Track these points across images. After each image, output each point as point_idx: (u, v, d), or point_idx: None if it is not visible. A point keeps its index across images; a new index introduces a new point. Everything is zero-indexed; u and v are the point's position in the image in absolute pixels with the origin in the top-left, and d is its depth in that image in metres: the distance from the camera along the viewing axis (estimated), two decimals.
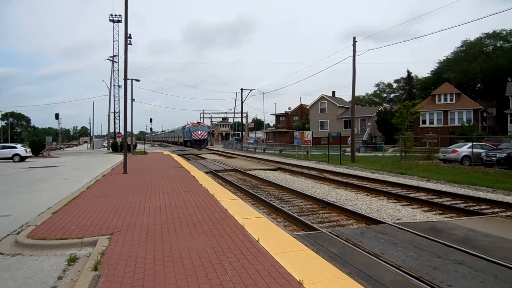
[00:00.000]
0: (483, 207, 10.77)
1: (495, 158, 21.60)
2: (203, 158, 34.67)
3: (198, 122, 68.78)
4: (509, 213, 9.85)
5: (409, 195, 12.59)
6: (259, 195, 12.43)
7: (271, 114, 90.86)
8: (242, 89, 61.62)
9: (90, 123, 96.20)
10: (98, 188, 13.19)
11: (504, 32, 59.92)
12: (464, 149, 24.23)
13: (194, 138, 62.32)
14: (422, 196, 12.59)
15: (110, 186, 13.65)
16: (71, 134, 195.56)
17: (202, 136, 63.50)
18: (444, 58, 69.90)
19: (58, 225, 7.50)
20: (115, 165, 24.05)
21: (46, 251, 6.18)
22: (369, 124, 57.48)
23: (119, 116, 55.48)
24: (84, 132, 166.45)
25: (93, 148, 67.09)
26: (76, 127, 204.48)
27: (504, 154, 21.42)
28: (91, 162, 30.90)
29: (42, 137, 54.80)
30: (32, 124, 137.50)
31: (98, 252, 5.66)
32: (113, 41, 54.15)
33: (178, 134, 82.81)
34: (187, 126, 70.74)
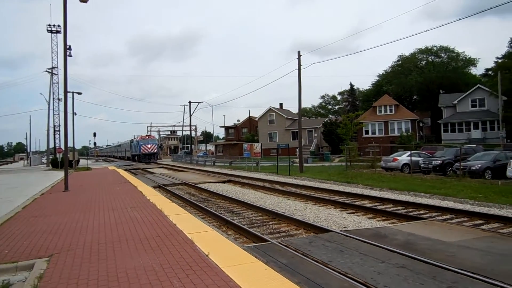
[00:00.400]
0: (422, 212, 11.44)
1: (431, 166, 23.14)
2: (151, 173, 33.76)
3: (147, 135, 65.09)
4: (444, 217, 10.55)
5: (355, 203, 13.07)
6: (209, 209, 12.30)
7: (220, 127, 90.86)
8: (190, 102, 61.04)
9: (26, 138, 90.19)
10: (36, 207, 12.36)
11: (435, 48, 64.90)
12: (404, 157, 25.68)
13: (143, 152, 58.72)
14: (367, 203, 13.13)
15: (49, 205, 12.84)
16: (5, 150, 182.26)
17: (152, 149, 59.80)
18: (383, 71, 74.31)
19: None
20: (56, 183, 22.69)
21: None
22: (316, 135, 59.26)
23: (59, 130, 52.59)
24: (20, 148, 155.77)
25: (30, 165, 62.90)
26: (11, 143, 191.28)
27: (439, 161, 23.01)
28: (29, 180, 28.92)
29: None
30: None
31: (35, 276, 5.27)
32: (52, 52, 51.48)
33: (125, 148, 78.54)
34: (135, 139, 66.98)
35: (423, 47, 65.32)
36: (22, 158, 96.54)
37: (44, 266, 5.73)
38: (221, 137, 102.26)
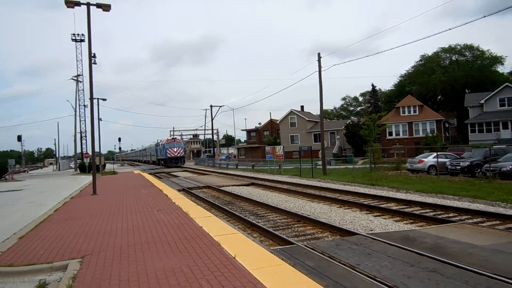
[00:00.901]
0: (451, 214, 11.17)
1: (459, 167, 22.53)
2: (175, 176, 34.21)
3: (173, 138, 62.61)
4: (475, 220, 10.26)
5: (381, 205, 12.89)
6: (233, 211, 12.37)
7: (242, 130, 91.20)
8: (211, 106, 61.68)
9: (55, 144, 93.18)
10: (67, 210, 12.74)
11: (459, 47, 63.27)
12: (430, 159, 25.12)
13: (170, 155, 55.98)
14: (393, 206, 12.92)
15: (79, 208, 13.22)
16: (36, 156, 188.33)
17: (179, 153, 57.00)
18: (405, 71, 73.00)
19: (26, 250, 7.18)
20: (84, 186, 23.32)
21: (13, 277, 5.88)
22: (338, 137, 58.72)
23: (85, 136, 54.17)
24: (49, 154, 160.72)
25: (59, 170, 64.78)
26: (41, 148, 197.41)
27: (467, 162, 22.38)
28: (58, 184, 29.82)
29: (4, 160, 52.49)
30: None
31: (69, 276, 5.45)
32: (77, 60, 53.11)
33: (151, 152, 76.57)
34: (160, 143, 64.25)
35: (446, 46, 63.83)
36: (51, 163, 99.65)
37: (77, 267, 5.92)
38: (242, 140, 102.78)
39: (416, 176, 23.42)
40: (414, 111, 51.01)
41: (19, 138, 64.11)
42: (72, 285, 5.05)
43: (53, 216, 11.57)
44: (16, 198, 19.12)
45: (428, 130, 48.05)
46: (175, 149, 56.62)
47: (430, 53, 66.22)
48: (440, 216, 10.73)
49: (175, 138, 64.68)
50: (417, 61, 68.62)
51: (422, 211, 11.89)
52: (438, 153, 24.83)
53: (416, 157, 27.12)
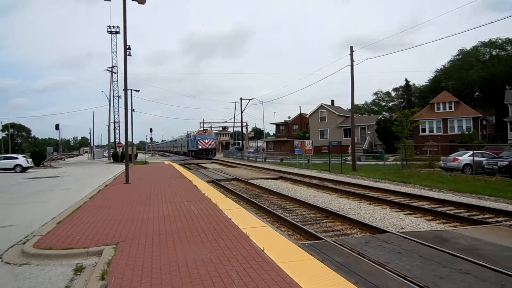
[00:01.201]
0: (487, 216, 10.77)
1: (497, 167, 21.63)
2: (205, 168, 34.69)
3: (204, 130, 60.93)
4: None
5: (412, 204, 12.60)
6: (262, 204, 12.44)
7: (271, 123, 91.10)
8: (241, 99, 61.72)
9: (90, 133, 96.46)
10: (101, 198, 13.21)
11: (500, 41, 60.45)
12: (465, 157, 24.27)
13: (201, 147, 54.67)
14: (425, 205, 12.60)
15: (113, 196, 13.67)
16: (72, 144, 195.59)
17: (210, 145, 55.52)
18: (441, 66, 70.57)
19: (63, 235, 7.52)
20: (117, 175, 24.06)
21: (52, 260, 6.19)
22: (369, 132, 57.62)
23: (119, 126, 55.76)
24: (84, 142, 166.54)
25: (93, 158, 67.11)
26: (76, 137, 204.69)
27: (506, 162, 21.45)
28: (93, 172, 30.92)
29: (42, 147, 54.87)
30: (32, 135, 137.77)
31: (104, 261, 5.67)
32: (112, 52, 54.62)
33: (182, 143, 76.42)
34: (191, 134, 63.24)
35: (486, 40, 61.10)
36: (86, 152, 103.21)
37: (111, 253, 6.14)
38: (271, 133, 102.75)
39: (450, 175, 22.70)
40: (450, 108, 49.30)
41: (57, 127, 66.94)
42: (107, 270, 5.25)
43: (88, 203, 12.02)
44: (54, 185, 20.00)
45: (464, 128, 46.37)
46: (206, 141, 55.27)
47: (468, 48, 63.73)
48: (475, 217, 10.37)
49: (207, 129, 62.22)
50: (454, 56, 66.29)
51: (456, 211, 11.54)
52: (474, 151, 23.93)
53: (451, 155, 26.26)
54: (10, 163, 32.33)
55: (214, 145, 56.97)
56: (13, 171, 31.62)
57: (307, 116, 67.17)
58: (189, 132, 69.41)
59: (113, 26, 53.37)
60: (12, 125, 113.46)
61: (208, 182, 19.70)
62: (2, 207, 12.47)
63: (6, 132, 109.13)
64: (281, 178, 23.25)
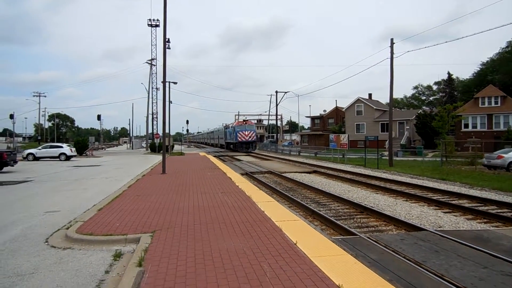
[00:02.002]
0: None
1: None
2: (239, 160, 34.99)
3: (244, 121, 54.60)
4: None
5: (451, 202, 12.16)
6: (295, 198, 12.42)
7: (306, 117, 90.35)
8: (276, 92, 61.66)
9: (129, 124, 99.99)
10: (139, 187, 13.66)
11: None
12: (511, 155, 23.07)
13: (240, 139, 50.55)
14: (465, 203, 12.12)
15: (150, 185, 14.09)
16: (112, 134, 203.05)
17: (251, 137, 51.10)
18: (488, 59, 67.07)
19: (104, 222, 7.86)
20: (154, 165, 24.76)
21: (93, 246, 6.50)
22: (408, 127, 55.91)
23: (157, 117, 57.14)
24: (124, 133, 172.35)
25: (132, 148, 69.36)
26: (117, 127, 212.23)
27: None
28: (131, 162, 31.97)
29: (85, 137, 57.34)
30: (76, 125, 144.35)
31: (142, 249, 5.88)
32: (151, 45, 55.90)
33: (219, 135, 72.41)
34: (230, 125, 58.93)
35: None
36: (125, 142, 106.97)
37: (148, 241, 6.36)
38: (306, 127, 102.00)
39: (494, 173, 21.67)
40: (496, 102, 46.86)
41: (99, 117, 69.40)
42: (144, 257, 5.45)
43: (127, 191, 12.47)
44: (95, 173, 20.88)
45: (511, 124, 43.99)
46: (246, 133, 50.89)
47: None
48: None
49: (247, 120, 55.56)
50: (503, 48, 62.66)
51: (499, 210, 11.03)
52: None
53: (495, 152, 25.03)
54: (55, 151, 34.02)
55: (254, 137, 52.46)
56: (58, 159, 33.26)
57: (343, 109, 66.09)
58: (226, 124, 66.13)
59: (153, 20, 54.55)
60: (58, 115, 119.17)
61: (242, 174, 19.87)
62: (47, 193, 13.18)
63: (52, 122, 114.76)
64: (315, 172, 23.08)
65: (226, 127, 62.42)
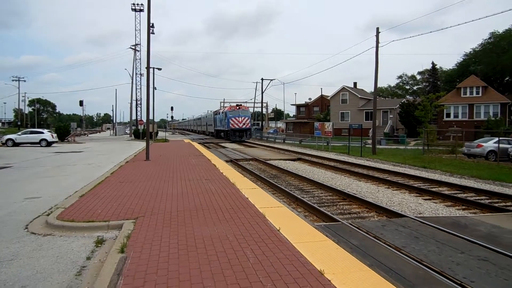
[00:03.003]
0: (509, 203, 10.52)
1: None
2: (224, 147, 34.90)
3: (237, 105, 47.96)
4: None
5: (432, 189, 12.41)
6: (279, 185, 12.48)
7: (292, 105, 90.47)
8: (262, 79, 61.27)
9: (113, 110, 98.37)
10: (122, 173, 13.51)
11: None
12: (490, 144, 23.62)
13: (233, 126, 44.59)
14: (445, 190, 12.40)
15: (133, 172, 13.96)
16: (95, 120, 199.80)
17: (245, 124, 45.09)
18: (471, 50, 67.89)
19: (85, 208, 7.76)
20: (138, 152, 24.51)
21: (74, 232, 6.42)
22: (391, 116, 56.62)
23: (140, 104, 56.41)
24: (107, 119, 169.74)
25: (115, 135, 68.43)
26: (100, 113, 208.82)
27: None
28: (114, 148, 31.57)
29: (67, 123, 56.27)
30: (57, 111, 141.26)
31: (124, 235, 5.84)
32: (135, 30, 54.82)
33: (207, 122, 65.80)
34: (221, 111, 52.47)
35: None
36: (108, 128, 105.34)
37: (131, 227, 6.32)
38: (291, 115, 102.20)
39: (473, 161, 22.20)
40: (477, 93, 47.75)
41: (81, 103, 68.00)
42: (126, 244, 5.41)
43: (110, 178, 12.32)
44: (77, 159, 20.55)
45: (491, 114, 44.99)
46: (240, 119, 44.92)
47: (501, 31, 60.91)
48: (496, 204, 10.15)
49: (241, 105, 48.75)
50: (485, 39, 63.45)
51: (477, 197, 11.31)
52: (500, 138, 23.23)
53: (475, 141, 25.60)
54: (36, 137, 33.30)
55: (249, 124, 46.33)
56: (39, 145, 32.58)
57: (329, 98, 66.42)
58: (217, 110, 59.87)
59: (137, 4, 53.45)
60: (38, 101, 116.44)
61: (227, 161, 19.85)
62: (27, 179, 12.93)
63: (33, 107, 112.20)
64: (299, 159, 23.21)
65: (216, 112, 56.28)
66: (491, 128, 37.35)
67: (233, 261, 4.80)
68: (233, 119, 44.81)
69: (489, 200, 10.89)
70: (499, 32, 61.13)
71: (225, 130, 46.68)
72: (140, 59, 55.93)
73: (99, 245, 5.75)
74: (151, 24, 19.79)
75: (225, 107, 52.11)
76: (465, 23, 72.41)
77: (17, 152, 25.55)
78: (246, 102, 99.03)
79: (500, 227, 7.44)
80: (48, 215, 7.39)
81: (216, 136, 54.53)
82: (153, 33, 23.38)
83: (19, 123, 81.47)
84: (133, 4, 53.22)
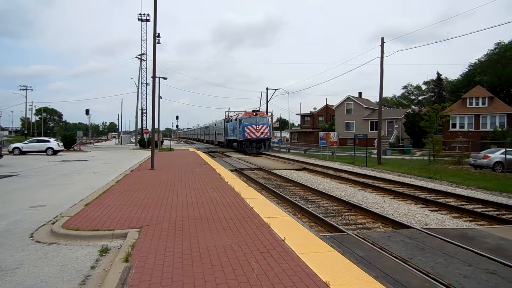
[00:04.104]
0: None
1: None
2: (228, 156, 34.90)
3: (254, 111, 39.76)
4: None
5: (438, 200, 12.31)
6: (284, 195, 12.44)
7: (296, 114, 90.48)
8: (267, 88, 61.33)
9: (118, 119, 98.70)
10: (127, 182, 13.53)
11: None
12: (497, 155, 23.43)
13: (249, 136, 37.23)
14: (452, 202, 12.28)
15: (138, 181, 13.98)
16: (100, 129, 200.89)
17: (263, 133, 37.68)
18: (476, 60, 67.87)
19: (90, 217, 7.77)
20: (143, 161, 24.57)
21: (79, 241, 6.42)
22: (397, 126, 56.45)
23: (146, 113, 56.74)
24: (112, 128, 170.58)
25: (121, 144, 68.71)
26: (105, 122, 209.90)
27: None
28: (120, 157, 31.67)
29: (73, 131, 56.70)
30: (64, 119, 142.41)
31: (129, 244, 5.83)
32: (141, 39, 55.39)
33: (216, 131, 58.54)
34: (233, 117, 44.42)
35: None
36: (114, 137, 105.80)
37: (135, 236, 6.30)
38: (296, 124, 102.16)
39: (480, 172, 22.01)
40: (483, 103, 47.53)
41: (87, 112, 68.55)
42: (131, 253, 5.40)
43: (115, 187, 12.34)
44: (83, 168, 20.63)
45: (497, 124, 44.69)
46: (257, 127, 37.44)
47: (507, 41, 60.83)
48: (504, 216, 10.03)
49: (258, 110, 41.22)
50: (491, 49, 63.39)
51: (484, 209, 11.20)
52: (507, 149, 23.05)
53: (481, 152, 25.42)
54: (42, 146, 33.51)
55: (268, 133, 38.48)
56: (45, 153, 32.78)
57: (333, 107, 66.37)
58: (227, 116, 50.82)
59: (144, 14, 54.10)
60: (45, 109, 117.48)
61: (231, 170, 19.84)
62: (33, 188, 12.98)
63: (40, 116, 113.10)
64: (304, 169, 23.15)
65: (227, 120, 48.28)
66: (498, 139, 37.09)
67: (238, 272, 4.77)
68: (249, 127, 37.52)
69: (497, 212, 10.78)
70: (504, 42, 61.14)
71: (240, 140, 39.26)
72: (146, 68, 56.51)
73: (104, 254, 5.74)
74: (157, 34, 20.00)
75: (238, 113, 44.84)
76: (471, 33, 72.25)
77: (24, 161, 25.71)
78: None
79: (508, 239, 7.35)
80: (53, 223, 7.40)
81: (226, 146, 48.51)
82: (159, 42, 23.67)
83: (25, 132, 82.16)
84: (140, 14, 53.86)
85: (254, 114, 38.98)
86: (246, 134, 37.30)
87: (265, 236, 6.44)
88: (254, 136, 37.38)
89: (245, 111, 41.07)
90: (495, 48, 62.43)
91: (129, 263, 5.03)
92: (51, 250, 6.00)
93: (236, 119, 41.51)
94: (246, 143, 37.67)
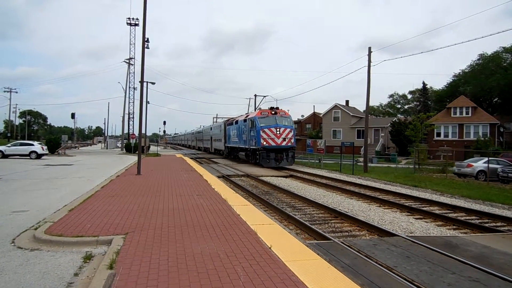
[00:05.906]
0: (499, 224, 10.61)
1: None
2: (215, 163, 34.75)
3: (272, 108, 29.19)
4: None
5: (423, 208, 12.46)
6: (271, 202, 12.44)
7: None
8: (255, 95, 61.18)
9: (104, 123, 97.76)
10: (113, 188, 13.36)
11: None
12: (480, 164, 23.89)
13: (267, 144, 26.93)
14: (436, 210, 12.45)
15: (124, 186, 13.82)
16: (86, 133, 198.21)
17: (286, 140, 27.44)
18: (460, 71, 69.24)
19: (74, 223, 7.64)
20: (129, 166, 24.32)
21: (62, 247, 6.30)
22: (383, 134, 57.10)
23: (133, 117, 56.27)
24: (98, 132, 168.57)
25: (107, 148, 67.89)
26: (91, 126, 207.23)
27: None
28: (105, 162, 31.29)
29: (58, 135, 55.67)
30: (48, 123, 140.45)
31: (113, 251, 5.75)
32: (130, 44, 55.02)
33: (212, 136, 48.60)
34: (240, 119, 33.90)
35: (508, 45, 59.54)
36: (99, 141, 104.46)
37: (120, 243, 6.22)
38: None
39: (463, 181, 22.38)
40: (467, 113, 48.48)
41: (73, 116, 67.68)
42: (115, 260, 5.32)
43: (100, 192, 12.18)
44: (67, 172, 20.31)
45: (480, 134, 45.61)
46: (278, 131, 27.26)
47: (489, 53, 62.28)
48: (486, 225, 10.22)
49: (278, 108, 29.49)
50: (474, 60, 64.83)
51: (467, 217, 11.37)
52: (490, 158, 23.53)
53: (465, 161, 25.88)
54: (26, 149, 32.94)
55: (293, 140, 28.18)
56: (28, 157, 32.21)
57: (321, 115, 66.84)
58: (231, 118, 42.03)
59: (133, 18, 53.72)
60: (30, 112, 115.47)
61: (219, 177, 19.77)
62: (16, 192, 12.72)
63: (24, 119, 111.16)
64: (291, 176, 23.20)
65: (231, 122, 37.54)
66: (481, 148, 37.83)
67: (224, 279, 4.74)
68: (266, 131, 27.15)
69: (479, 220, 10.96)
70: (487, 54, 62.55)
71: (252, 148, 29.03)
72: (134, 73, 56.08)
73: (88, 261, 5.64)
74: (146, 39, 19.91)
75: (249, 112, 37.19)
76: (455, 44, 73.65)
77: (6, 164, 25.20)
78: (239, 117, 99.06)
79: (491, 247, 7.47)
80: (36, 229, 7.25)
81: (227, 156, 39.38)
82: (148, 47, 23.54)
83: (9, 135, 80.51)
84: (129, 18, 53.55)
85: (273, 113, 28.34)
86: (262, 141, 27.00)
87: (251, 243, 6.42)
88: (273, 144, 27.09)
89: (260, 109, 31.68)
90: (478, 59, 63.86)
91: (113, 270, 4.96)
92: (33, 256, 5.88)
93: (245, 120, 30.84)
94: (263, 153, 27.25)
